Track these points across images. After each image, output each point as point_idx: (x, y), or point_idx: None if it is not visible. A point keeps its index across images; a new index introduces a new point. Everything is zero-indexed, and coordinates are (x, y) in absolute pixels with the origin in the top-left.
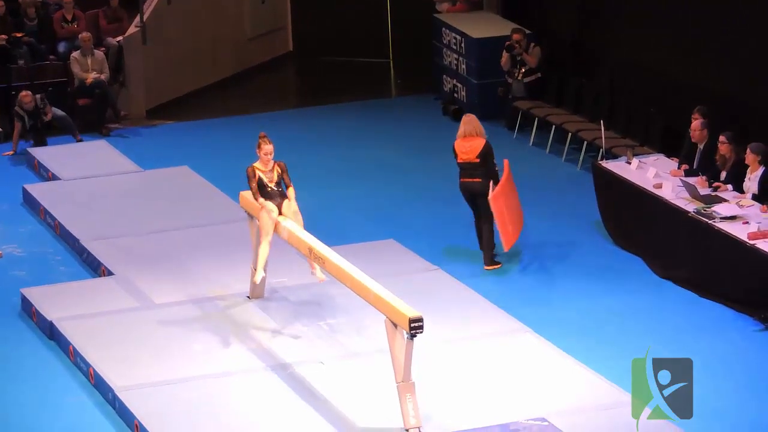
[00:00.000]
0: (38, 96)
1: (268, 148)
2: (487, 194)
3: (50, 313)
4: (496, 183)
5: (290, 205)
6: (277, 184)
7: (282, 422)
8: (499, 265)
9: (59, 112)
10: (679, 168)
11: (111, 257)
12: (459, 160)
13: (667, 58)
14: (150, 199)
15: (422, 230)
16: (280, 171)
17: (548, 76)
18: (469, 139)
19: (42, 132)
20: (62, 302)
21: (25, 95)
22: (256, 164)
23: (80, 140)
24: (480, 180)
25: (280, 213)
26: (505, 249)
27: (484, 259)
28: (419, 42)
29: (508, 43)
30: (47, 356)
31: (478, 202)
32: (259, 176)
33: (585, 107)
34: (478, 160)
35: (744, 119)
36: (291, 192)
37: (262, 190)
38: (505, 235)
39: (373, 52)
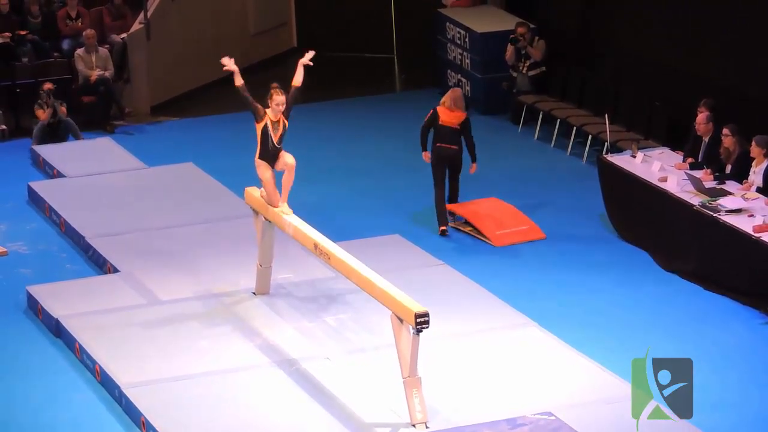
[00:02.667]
0: (44, 92)
1: (280, 98)
2: (460, 162)
3: (56, 310)
4: (473, 155)
5: (282, 157)
6: (280, 140)
7: (288, 418)
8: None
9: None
10: (684, 161)
11: (116, 254)
12: (440, 122)
13: (672, 50)
14: (155, 196)
15: (427, 225)
16: (286, 123)
17: (552, 69)
18: (455, 111)
19: (59, 128)
20: (68, 299)
21: (47, 84)
22: (268, 111)
23: (81, 138)
24: (456, 147)
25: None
26: (496, 244)
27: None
28: (423, 37)
29: (512, 36)
30: (53, 353)
31: (454, 166)
32: (266, 124)
33: (589, 101)
34: (458, 128)
35: (748, 112)
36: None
37: (263, 145)
38: (489, 233)
39: (377, 47)
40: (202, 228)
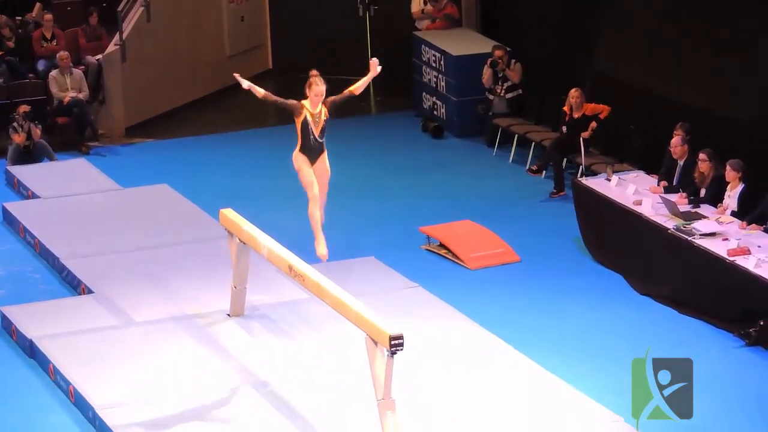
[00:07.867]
0: (19, 115)
1: (320, 89)
2: None
3: (30, 331)
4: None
5: (324, 161)
6: (321, 134)
7: None
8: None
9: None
10: (658, 185)
11: (91, 275)
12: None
13: (648, 74)
14: (129, 217)
15: (402, 247)
16: (327, 114)
17: (528, 93)
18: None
19: (33, 150)
20: (42, 320)
21: (23, 107)
22: (306, 102)
23: (56, 160)
24: None
25: (312, 166)
26: (471, 267)
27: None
28: (399, 59)
29: (492, 59)
30: (27, 375)
31: None
32: (305, 117)
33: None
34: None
35: (722, 135)
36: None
37: (304, 139)
38: (464, 256)
39: (352, 69)
40: (176, 249)
